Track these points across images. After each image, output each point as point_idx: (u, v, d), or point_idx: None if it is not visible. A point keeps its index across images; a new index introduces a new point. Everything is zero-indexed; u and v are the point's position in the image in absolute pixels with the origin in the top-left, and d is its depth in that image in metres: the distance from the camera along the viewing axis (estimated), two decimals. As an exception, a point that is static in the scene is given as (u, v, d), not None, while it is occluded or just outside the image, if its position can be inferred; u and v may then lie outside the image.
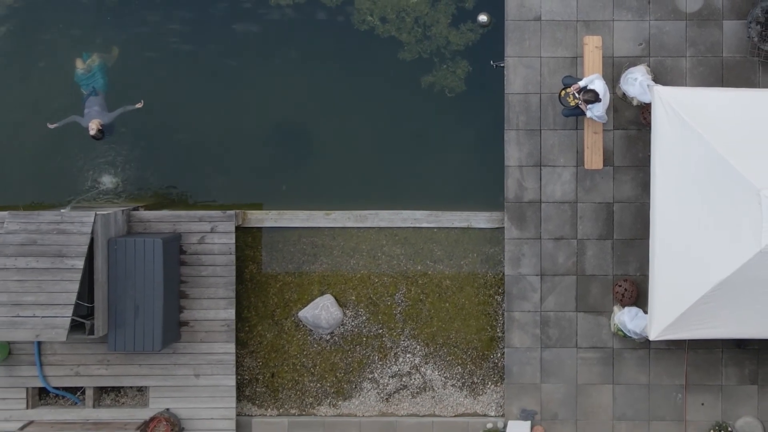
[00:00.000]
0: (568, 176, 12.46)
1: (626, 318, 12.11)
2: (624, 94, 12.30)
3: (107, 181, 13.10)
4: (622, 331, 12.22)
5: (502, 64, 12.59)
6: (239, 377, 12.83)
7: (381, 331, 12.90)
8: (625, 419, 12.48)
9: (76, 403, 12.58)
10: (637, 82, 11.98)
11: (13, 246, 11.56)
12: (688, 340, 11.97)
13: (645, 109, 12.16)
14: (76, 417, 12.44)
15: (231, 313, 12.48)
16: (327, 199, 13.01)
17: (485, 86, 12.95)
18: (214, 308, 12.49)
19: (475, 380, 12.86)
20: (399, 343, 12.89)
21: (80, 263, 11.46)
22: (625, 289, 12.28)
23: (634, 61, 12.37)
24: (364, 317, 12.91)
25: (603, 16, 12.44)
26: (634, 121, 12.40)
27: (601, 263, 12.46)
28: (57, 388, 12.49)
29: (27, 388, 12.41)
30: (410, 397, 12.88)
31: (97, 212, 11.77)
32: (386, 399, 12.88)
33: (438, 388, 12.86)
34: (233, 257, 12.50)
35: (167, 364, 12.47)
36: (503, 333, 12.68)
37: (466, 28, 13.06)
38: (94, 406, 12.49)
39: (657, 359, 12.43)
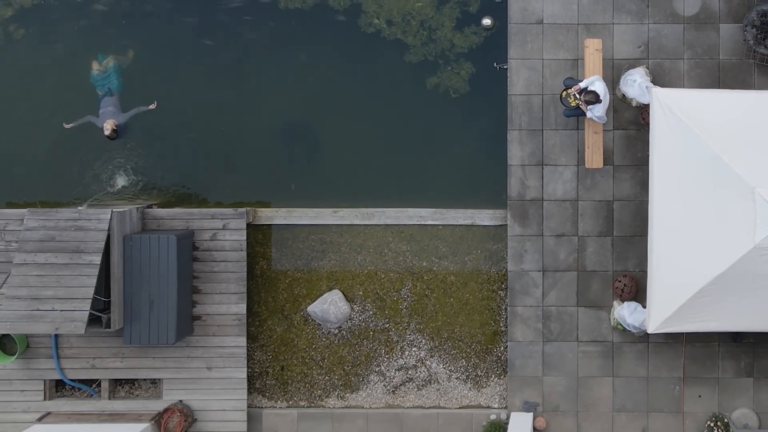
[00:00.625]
0: (569, 175, 12.50)
1: (626, 312, 12.11)
2: (623, 95, 12.29)
3: (122, 179, 13.02)
4: (621, 325, 12.22)
5: (505, 66, 12.56)
6: (250, 370, 12.78)
7: (387, 325, 12.92)
8: (625, 411, 12.46)
9: (91, 395, 12.58)
10: (636, 84, 11.99)
11: (33, 242, 11.57)
12: (686, 334, 11.93)
13: (644, 109, 12.14)
14: (92, 408, 12.43)
15: (242, 308, 12.44)
16: (335, 197, 12.96)
17: (489, 87, 12.89)
18: (226, 303, 12.46)
19: (479, 373, 12.88)
20: (405, 337, 12.91)
21: (97, 259, 11.46)
22: (625, 285, 12.29)
23: (633, 63, 12.35)
24: (371, 312, 12.92)
25: (603, 20, 12.40)
26: (633, 122, 12.39)
27: (602, 259, 12.47)
28: (73, 381, 12.53)
29: (45, 381, 12.42)
30: (416, 389, 12.88)
31: (113, 209, 11.75)
32: (393, 391, 12.89)
33: (443, 381, 12.87)
34: (244, 253, 12.44)
35: (180, 357, 12.44)
36: (506, 327, 12.69)
37: (470, 31, 13.01)
38: (109, 398, 12.47)
39: (656, 353, 12.41)
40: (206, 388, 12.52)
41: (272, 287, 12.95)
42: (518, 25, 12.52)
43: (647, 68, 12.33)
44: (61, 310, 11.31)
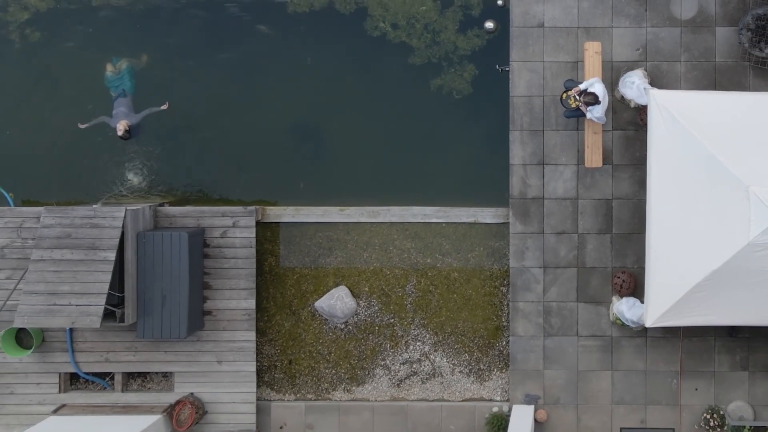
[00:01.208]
0: (569, 174, 12.55)
1: (624, 308, 12.18)
2: (622, 96, 12.35)
3: (135, 178, 13.08)
4: (620, 320, 12.28)
5: (507, 68, 12.62)
6: (259, 364, 12.88)
7: (392, 320, 13.00)
8: (623, 403, 12.53)
9: (105, 387, 12.67)
10: (634, 86, 12.05)
11: (50, 239, 11.70)
12: (683, 328, 12.03)
13: (642, 110, 12.16)
14: (105, 400, 12.55)
15: (251, 303, 12.53)
16: (341, 196, 13.02)
17: (491, 89, 12.94)
18: (236, 298, 12.55)
19: (482, 367, 12.96)
20: (409, 332, 12.99)
21: (112, 255, 11.59)
22: (623, 281, 12.35)
23: (631, 66, 12.41)
24: (377, 307, 13.00)
25: (602, 23, 12.45)
26: (631, 122, 12.44)
27: (601, 256, 12.53)
28: (88, 374, 12.64)
29: (59, 374, 12.56)
30: (420, 382, 12.95)
31: (127, 207, 11.86)
32: (397, 384, 12.96)
33: (446, 375, 12.94)
34: (254, 250, 12.53)
35: (191, 351, 12.57)
36: (508, 322, 12.78)
37: (473, 34, 13.09)
38: (122, 391, 12.59)
39: (653, 347, 12.48)
40: (216, 381, 12.63)
41: (280, 283, 13.03)
42: (520, 28, 12.59)
43: (645, 70, 12.39)
44: (77, 305, 11.44)
